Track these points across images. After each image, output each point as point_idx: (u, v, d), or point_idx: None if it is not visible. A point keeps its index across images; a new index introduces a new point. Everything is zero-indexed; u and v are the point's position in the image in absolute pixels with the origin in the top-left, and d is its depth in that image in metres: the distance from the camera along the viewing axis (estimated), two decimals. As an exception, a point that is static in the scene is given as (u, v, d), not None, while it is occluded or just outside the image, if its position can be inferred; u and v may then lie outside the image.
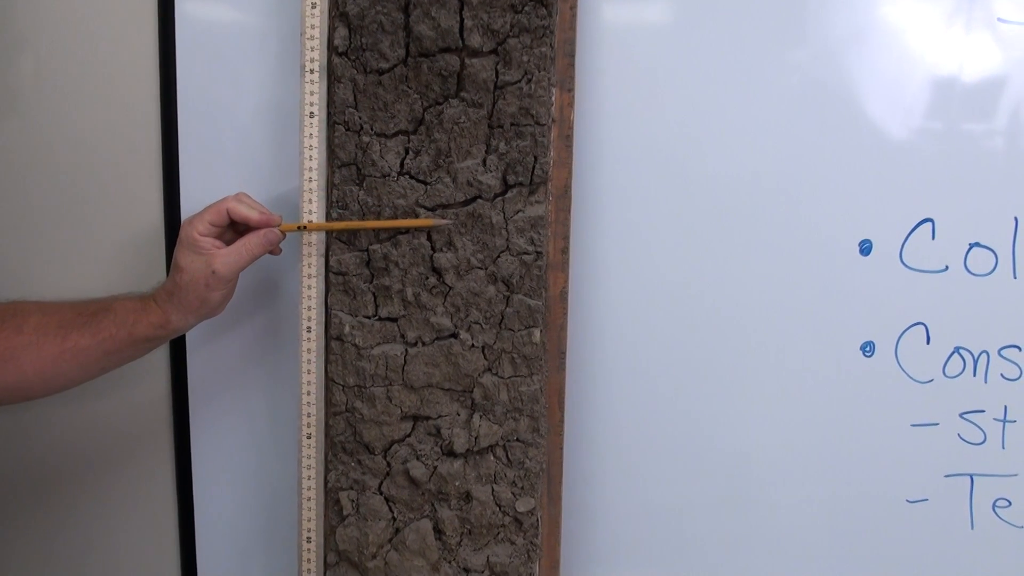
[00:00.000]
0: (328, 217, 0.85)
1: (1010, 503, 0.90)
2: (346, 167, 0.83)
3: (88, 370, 0.80)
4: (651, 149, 0.87)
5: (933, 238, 0.86)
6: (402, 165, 0.83)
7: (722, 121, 0.86)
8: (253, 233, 0.81)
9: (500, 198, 0.83)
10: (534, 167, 0.82)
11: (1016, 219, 0.86)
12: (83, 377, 0.80)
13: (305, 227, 0.84)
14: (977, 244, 0.86)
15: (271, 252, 0.83)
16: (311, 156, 0.83)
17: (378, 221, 0.83)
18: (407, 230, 0.84)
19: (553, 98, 0.82)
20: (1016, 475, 0.90)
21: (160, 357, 0.94)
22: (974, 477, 0.90)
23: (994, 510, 0.91)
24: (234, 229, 0.82)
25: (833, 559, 0.93)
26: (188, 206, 0.90)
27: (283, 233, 0.82)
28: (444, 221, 0.83)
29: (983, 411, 0.89)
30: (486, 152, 0.82)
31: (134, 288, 0.91)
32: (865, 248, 0.87)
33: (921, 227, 0.86)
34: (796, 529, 0.93)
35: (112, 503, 0.99)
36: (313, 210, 0.84)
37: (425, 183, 0.83)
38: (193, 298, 0.79)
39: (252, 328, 0.93)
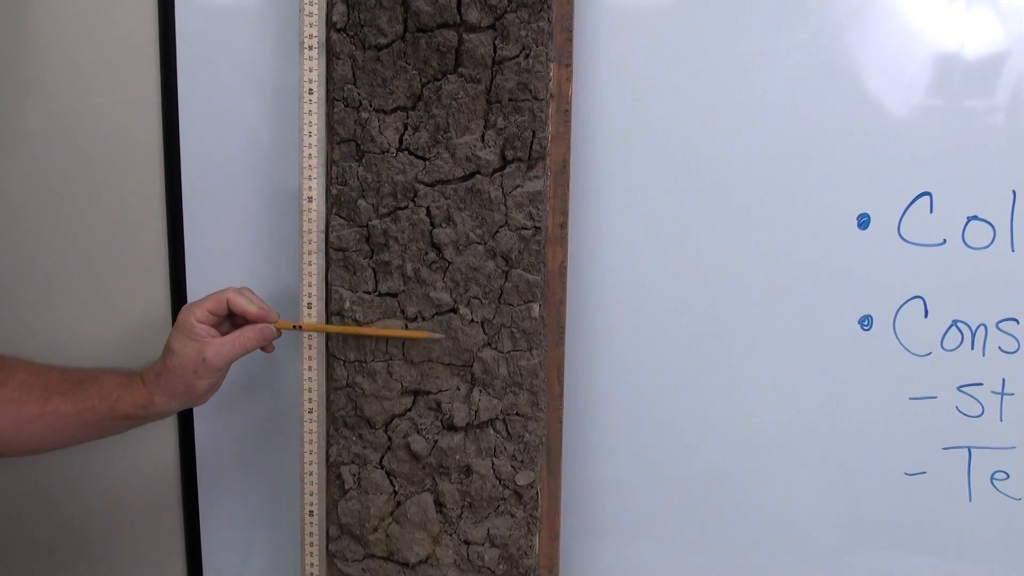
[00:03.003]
0: (328, 194, 0.85)
1: (1008, 475, 0.91)
2: (345, 143, 0.84)
3: (63, 437, 0.79)
4: (649, 124, 0.87)
5: (931, 212, 0.86)
6: (401, 141, 0.83)
7: (721, 95, 0.86)
8: (249, 327, 0.82)
9: (499, 173, 0.83)
10: (532, 142, 0.82)
11: (1014, 192, 0.86)
12: (57, 443, 0.80)
13: (300, 327, 0.85)
14: (975, 217, 0.86)
15: (264, 349, 0.84)
16: (310, 132, 0.84)
17: (374, 329, 0.85)
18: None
19: (551, 73, 0.82)
20: (1014, 447, 0.90)
21: (163, 330, 0.95)
22: (972, 450, 0.90)
23: (992, 482, 0.91)
24: (231, 321, 0.83)
25: (832, 531, 0.93)
26: (189, 180, 0.91)
27: (278, 331, 0.83)
28: (437, 335, 0.84)
29: (981, 384, 0.89)
30: (484, 127, 0.83)
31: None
32: (863, 222, 0.87)
33: (919, 201, 0.86)
34: (796, 501, 0.93)
35: (116, 473, 1.00)
36: (313, 191, 0.84)
37: (424, 159, 0.83)
38: (180, 383, 0.79)
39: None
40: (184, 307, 0.82)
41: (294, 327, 0.85)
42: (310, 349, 0.87)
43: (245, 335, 0.81)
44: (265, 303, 0.83)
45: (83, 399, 0.79)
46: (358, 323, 0.86)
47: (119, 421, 0.80)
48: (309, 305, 0.86)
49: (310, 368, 0.87)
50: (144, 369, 0.81)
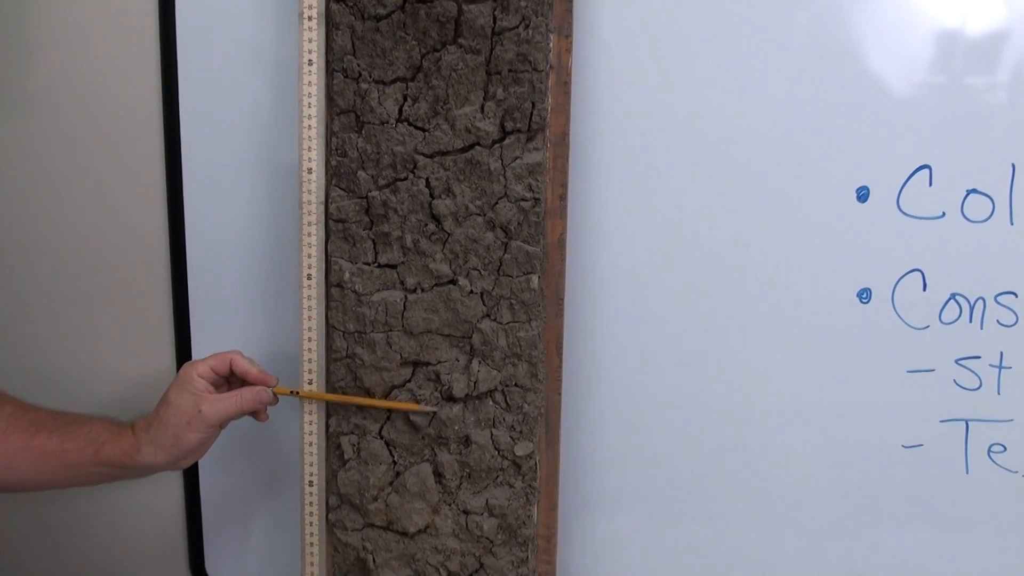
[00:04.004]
0: (327, 165, 0.85)
1: (1005, 448, 0.91)
2: (345, 114, 0.84)
3: (43, 478, 0.79)
4: (649, 96, 0.87)
5: (930, 185, 0.86)
6: (400, 112, 0.83)
7: (722, 68, 0.86)
8: (247, 388, 0.83)
9: (498, 145, 0.83)
10: (532, 113, 0.82)
11: (1014, 165, 0.85)
12: (37, 483, 0.79)
13: (298, 393, 0.86)
14: (974, 191, 0.86)
15: (256, 416, 0.85)
16: (310, 104, 0.84)
17: (372, 400, 0.87)
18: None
19: (551, 44, 0.82)
20: (1011, 420, 0.90)
21: (163, 299, 0.95)
22: (969, 423, 0.91)
23: (989, 455, 0.91)
24: (228, 384, 0.85)
25: (829, 503, 0.94)
26: (189, 154, 0.91)
27: (276, 396, 0.85)
28: (429, 408, 0.86)
29: (979, 357, 0.89)
30: (484, 99, 0.83)
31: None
32: (862, 195, 0.87)
33: (918, 174, 0.86)
34: (793, 474, 0.93)
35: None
36: (313, 162, 0.84)
37: (423, 130, 0.83)
38: (170, 434, 0.80)
39: (253, 275, 0.94)
40: (187, 363, 0.83)
41: (291, 393, 0.86)
42: (309, 320, 0.87)
43: (243, 395, 0.82)
44: (265, 371, 0.84)
45: (69, 439, 0.78)
46: (357, 294, 0.86)
47: (103, 468, 0.80)
48: (309, 276, 0.86)
49: (309, 339, 0.87)
50: (136, 419, 0.82)
